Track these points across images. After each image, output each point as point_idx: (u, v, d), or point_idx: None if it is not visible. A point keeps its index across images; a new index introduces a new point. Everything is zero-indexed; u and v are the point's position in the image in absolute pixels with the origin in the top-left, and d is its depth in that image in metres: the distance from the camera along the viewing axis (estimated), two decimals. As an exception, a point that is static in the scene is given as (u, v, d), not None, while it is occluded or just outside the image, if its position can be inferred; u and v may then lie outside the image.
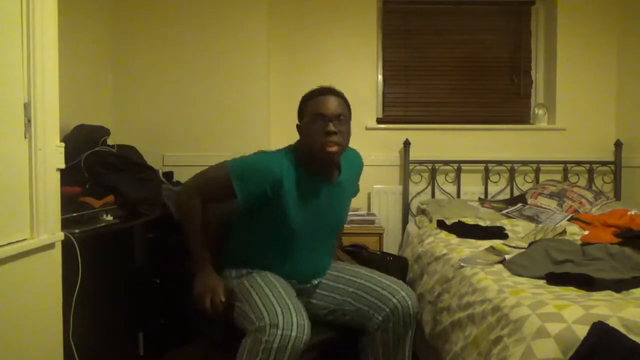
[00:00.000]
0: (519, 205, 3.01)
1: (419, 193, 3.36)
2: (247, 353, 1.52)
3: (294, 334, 1.49)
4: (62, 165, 1.59)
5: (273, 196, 1.67)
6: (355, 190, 1.98)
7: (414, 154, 3.33)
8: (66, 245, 1.63)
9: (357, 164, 1.96)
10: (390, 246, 3.28)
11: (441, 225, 2.63)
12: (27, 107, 1.43)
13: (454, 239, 2.37)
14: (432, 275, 2.14)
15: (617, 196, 3.32)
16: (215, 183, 1.72)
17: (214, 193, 1.75)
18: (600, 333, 1.24)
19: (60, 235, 1.57)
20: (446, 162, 3.34)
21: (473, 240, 2.32)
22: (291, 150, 1.76)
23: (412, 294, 1.78)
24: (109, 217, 2.06)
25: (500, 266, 1.88)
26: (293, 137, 1.80)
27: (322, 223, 1.80)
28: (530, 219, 2.78)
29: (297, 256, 1.78)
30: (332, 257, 1.97)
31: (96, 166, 2.26)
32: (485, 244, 2.22)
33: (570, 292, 1.55)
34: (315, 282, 1.84)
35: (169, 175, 2.99)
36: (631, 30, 3.34)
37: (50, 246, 1.53)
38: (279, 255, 1.78)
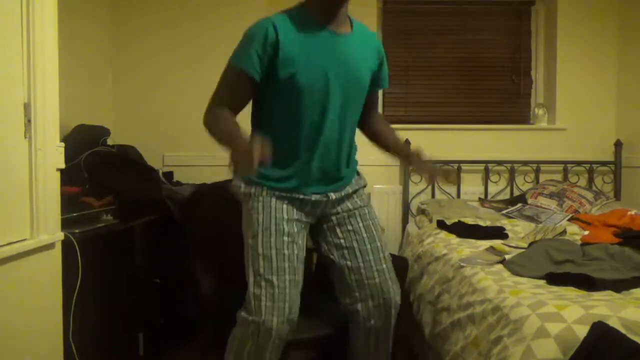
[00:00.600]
0: (519, 205, 3.01)
1: (419, 193, 3.35)
2: (238, 341, 1.59)
3: (275, 333, 1.53)
4: (62, 165, 1.59)
5: (277, 57, 1.55)
6: (382, 77, 1.80)
7: (414, 154, 3.33)
8: (66, 245, 1.63)
9: (377, 45, 1.76)
10: (390, 246, 3.28)
11: (441, 225, 2.63)
12: (27, 107, 1.44)
13: (454, 239, 2.37)
14: (432, 275, 2.14)
15: (617, 196, 3.32)
16: (229, 81, 1.63)
17: (235, 92, 1.63)
18: (600, 333, 1.25)
19: (60, 235, 1.58)
20: (446, 162, 3.34)
21: (473, 240, 2.32)
22: (294, 6, 1.63)
23: (392, 309, 1.75)
24: (109, 217, 2.07)
25: (500, 266, 1.88)
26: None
27: (336, 83, 1.60)
28: (530, 219, 2.78)
29: (310, 137, 1.61)
30: (354, 172, 1.80)
31: (96, 166, 2.27)
32: (485, 244, 2.22)
33: (570, 292, 1.55)
34: (333, 196, 1.68)
35: (169, 175, 2.99)
36: (631, 30, 3.33)
37: (50, 246, 1.54)
38: (292, 141, 1.62)
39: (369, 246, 1.71)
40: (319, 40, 1.59)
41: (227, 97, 1.63)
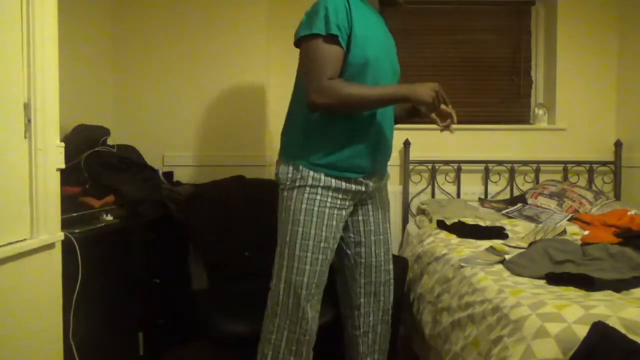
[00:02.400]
0: (519, 205, 3.01)
1: (419, 193, 3.35)
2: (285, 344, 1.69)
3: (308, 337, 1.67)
4: (62, 165, 1.59)
5: (351, 34, 1.59)
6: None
7: (414, 154, 3.33)
8: (66, 245, 1.63)
9: (393, 41, 1.90)
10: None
11: (441, 225, 2.62)
12: (27, 107, 1.44)
13: (454, 239, 2.37)
14: (432, 275, 2.14)
15: (617, 196, 3.32)
16: (328, 55, 1.56)
17: (337, 64, 1.58)
18: (600, 333, 1.25)
19: (60, 235, 1.57)
20: (446, 162, 3.34)
21: (473, 240, 2.32)
22: None
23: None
24: (109, 217, 2.07)
25: (500, 266, 1.88)
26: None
27: (388, 65, 1.74)
28: (530, 219, 2.78)
29: (368, 118, 1.66)
30: (390, 154, 1.84)
31: (96, 166, 2.27)
32: (485, 244, 2.22)
33: (570, 292, 1.55)
34: (371, 185, 1.75)
35: (169, 175, 2.99)
36: (631, 31, 3.33)
37: (50, 246, 1.53)
38: (349, 123, 1.64)
39: (382, 248, 1.83)
40: (376, 22, 1.70)
41: (330, 70, 1.56)
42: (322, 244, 1.66)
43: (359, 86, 1.59)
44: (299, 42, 1.62)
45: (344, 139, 1.66)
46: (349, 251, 1.81)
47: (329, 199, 1.67)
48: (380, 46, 1.68)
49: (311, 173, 1.65)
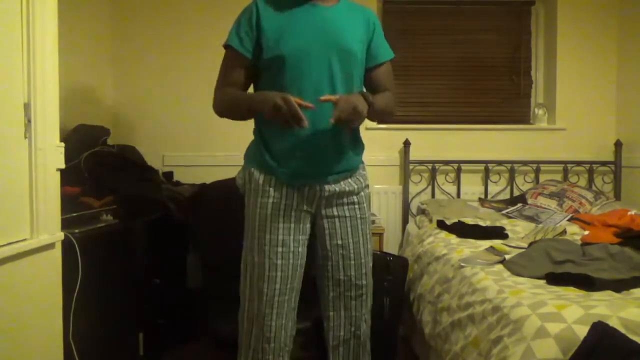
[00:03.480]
0: (519, 205, 3.01)
1: (419, 193, 3.35)
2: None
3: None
4: (62, 165, 1.59)
5: (261, 33, 1.59)
6: (378, 48, 1.74)
7: (413, 154, 3.33)
8: (66, 245, 1.63)
9: (366, 15, 1.72)
10: (390, 246, 3.28)
11: (441, 225, 2.62)
12: (27, 107, 1.44)
13: (454, 239, 2.37)
14: (432, 275, 2.14)
15: (617, 196, 3.32)
16: (227, 64, 1.67)
17: (235, 73, 1.65)
18: (600, 333, 1.25)
19: (60, 235, 1.58)
20: (446, 162, 3.34)
21: (473, 240, 2.31)
22: None
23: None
24: (109, 217, 2.07)
25: (500, 266, 1.88)
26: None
27: (320, 54, 1.57)
28: (530, 219, 2.78)
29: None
30: (354, 162, 1.73)
31: (96, 166, 2.27)
32: (485, 244, 2.22)
33: (570, 292, 1.55)
34: (326, 190, 1.64)
35: (169, 175, 3.00)
36: (631, 31, 3.33)
37: (50, 246, 1.53)
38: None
39: (352, 262, 1.70)
40: (299, 13, 1.61)
41: (225, 79, 1.68)
42: (278, 249, 1.59)
43: (232, 97, 1.66)
44: None
45: (277, 137, 1.63)
46: (318, 264, 1.74)
47: (283, 200, 1.61)
48: (300, 37, 1.57)
49: (261, 175, 1.63)
